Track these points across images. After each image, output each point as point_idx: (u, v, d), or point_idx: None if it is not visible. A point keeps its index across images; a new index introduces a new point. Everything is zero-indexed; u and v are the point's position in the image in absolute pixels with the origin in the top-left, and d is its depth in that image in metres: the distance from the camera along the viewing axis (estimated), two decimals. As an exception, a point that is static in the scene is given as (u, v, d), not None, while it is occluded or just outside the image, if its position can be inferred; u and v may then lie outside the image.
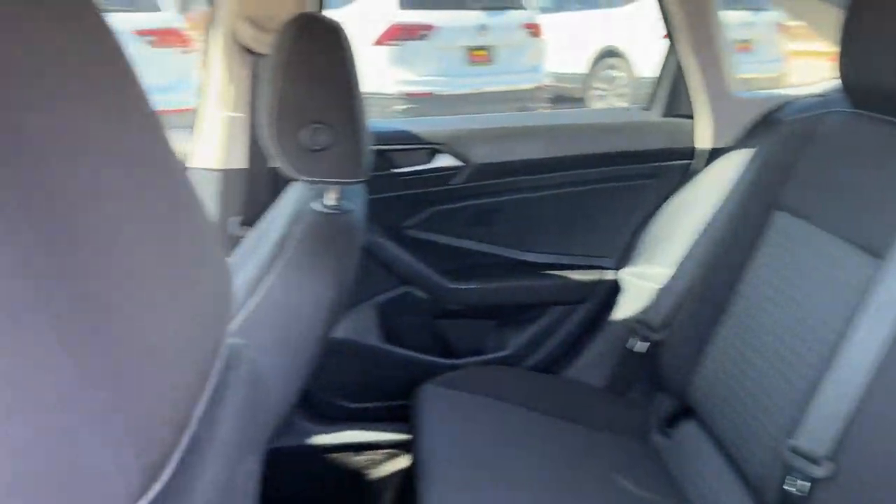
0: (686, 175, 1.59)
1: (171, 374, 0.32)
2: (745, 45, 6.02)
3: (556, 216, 1.60)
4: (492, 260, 1.61)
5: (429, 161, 1.50)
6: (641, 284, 1.51)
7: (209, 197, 1.32)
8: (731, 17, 5.79)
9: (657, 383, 1.29)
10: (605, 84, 6.54)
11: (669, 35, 1.56)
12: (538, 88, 5.84)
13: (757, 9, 6.04)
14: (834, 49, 0.99)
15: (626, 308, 1.55)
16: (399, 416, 1.42)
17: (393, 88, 5.22)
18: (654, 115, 1.65)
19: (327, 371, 1.42)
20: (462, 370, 1.44)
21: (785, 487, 0.90)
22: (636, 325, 1.39)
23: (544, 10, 6.55)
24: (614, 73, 6.46)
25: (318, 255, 0.92)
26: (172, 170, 0.38)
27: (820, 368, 0.90)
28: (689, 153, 1.59)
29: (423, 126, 1.51)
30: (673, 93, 1.62)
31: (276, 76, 0.85)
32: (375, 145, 1.41)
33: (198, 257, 0.38)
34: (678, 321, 1.24)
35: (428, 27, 5.31)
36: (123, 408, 0.28)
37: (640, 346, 1.36)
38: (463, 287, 1.57)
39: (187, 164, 1.34)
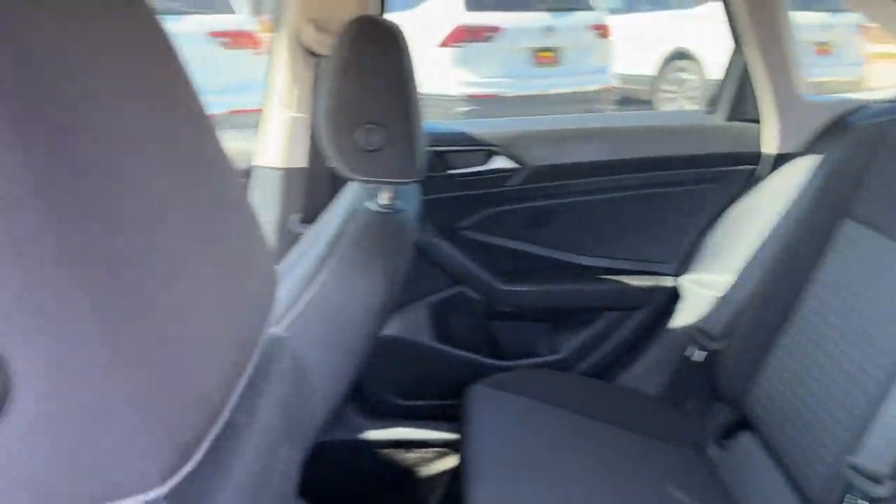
0: (750, 181, 1.55)
1: (208, 361, 0.33)
2: (824, 48, 5.80)
3: (613, 220, 1.58)
4: (546, 263, 1.60)
5: (485, 163, 1.50)
6: (701, 292, 1.47)
7: (271, 195, 1.36)
8: (808, 19, 5.58)
9: (714, 393, 1.26)
10: (674, 86, 6.41)
11: (735, 36, 1.52)
12: (605, 90, 5.76)
13: (836, 10, 5.80)
14: None
15: (684, 315, 1.52)
16: (450, 415, 1.43)
17: (456, 90, 5.23)
18: (719, 119, 1.60)
19: (380, 367, 1.45)
20: (513, 372, 1.43)
21: None
22: (695, 333, 1.35)
23: (614, 11, 6.46)
24: (684, 75, 6.33)
25: (370, 253, 0.93)
26: (221, 169, 0.39)
27: (884, 384, 0.87)
28: (755, 158, 1.55)
29: (479, 128, 1.51)
30: (738, 95, 1.57)
31: (333, 77, 0.86)
32: (432, 146, 1.42)
33: (241, 253, 0.39)
34: (738, 330, 1.21)
35: (494, 29, 5.31)
36: (159, 389, 0.30)
37: (698, 355, 1.33)
38: (516, 289, 1.56)
39: (252, 163, 1.38)
